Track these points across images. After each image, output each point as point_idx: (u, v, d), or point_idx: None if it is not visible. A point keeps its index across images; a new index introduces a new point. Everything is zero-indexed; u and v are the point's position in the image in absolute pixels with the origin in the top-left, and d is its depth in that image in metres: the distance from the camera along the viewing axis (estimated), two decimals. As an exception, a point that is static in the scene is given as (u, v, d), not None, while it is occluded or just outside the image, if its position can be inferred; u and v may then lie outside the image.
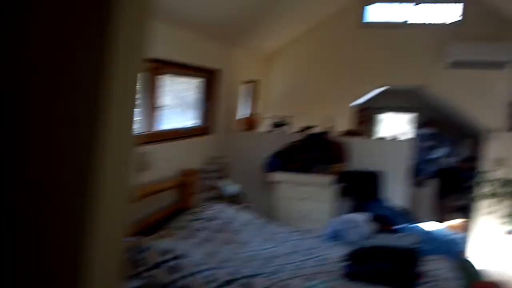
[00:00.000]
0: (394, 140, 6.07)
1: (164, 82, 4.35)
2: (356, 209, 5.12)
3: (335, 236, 4.14)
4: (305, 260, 3.58)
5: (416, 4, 6.48)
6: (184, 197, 4.50)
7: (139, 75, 1.47)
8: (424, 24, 6.55)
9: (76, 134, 1.33)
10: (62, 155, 1.34)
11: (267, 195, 5.44)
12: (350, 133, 5.99)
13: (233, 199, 4.93)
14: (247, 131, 6.04)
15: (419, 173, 7.71)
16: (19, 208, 1.37)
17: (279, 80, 7.15)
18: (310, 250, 3.80)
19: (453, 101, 6.55)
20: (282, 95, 7.09)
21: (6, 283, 1.37)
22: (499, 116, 6.10)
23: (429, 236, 3.99)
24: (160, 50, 4.03)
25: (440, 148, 9.19)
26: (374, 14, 6.77)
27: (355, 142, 5.61)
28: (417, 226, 4.30)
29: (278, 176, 5.34)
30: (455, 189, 7.11)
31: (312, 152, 5.33)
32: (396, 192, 5.52)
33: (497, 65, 5.86)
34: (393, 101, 9.30)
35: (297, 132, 5.90)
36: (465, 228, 6.20)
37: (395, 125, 10.10)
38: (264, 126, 6.43)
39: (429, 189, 6.97)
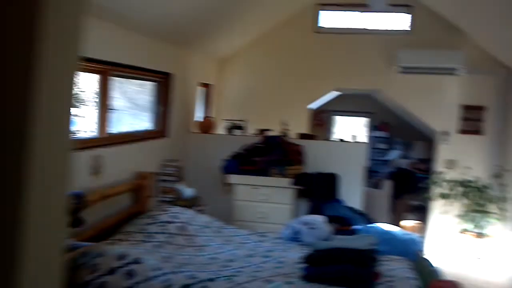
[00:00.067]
0: (349, 142, 6.13)
1: (116, 84, 4.25)
2: (313, 210, 5.14)
3: (293, 238, 4.13)
4: (263, 263, 3.54)
5: (368, 12, 6.58)
6: (139, 201, 4.41)
7: (73, 75, 1.38)
8: (376, 30, 6.69)
9: (2, 137, 1.23)
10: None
11: (224, 198, 5.41)
12: (305, 136, 6.01)
13: (189, 202, 4.86)
14: (203, 134, 5.98)
15: (374, 174, 7.84)
16: None
17: (234, 83, 7.12)
18: (268, 253, 3.77)
19: (406, 104, 6.69)
20: (237, 98, 7.07)
21: None
22: (450, 119, 6.27)
23: (386, 236, 4.02)
24: (111, 52, 3.95)
25: (394, 150, 9.40)
26: (328, 20, 6.87)
27: (311, 145, 5.63)
28: (374, 227, 4.33)
29: (235, 178, 5.30)
30: (410, 190, 7.25)
31: (269, 155, 5.32)
32: (352, 194, 5.57)
33: (448, 71, 6.01)
34: (348, 104, 9.44)
35: (254, 135, 5.89)
36: (420, 228, 6.34)
37: (351, 128, 10.24)
38: (219, 129, 6.39)
39: (385, 190, 7.08)
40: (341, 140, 6.64)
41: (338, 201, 5.33)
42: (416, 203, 7.08)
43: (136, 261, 2.94)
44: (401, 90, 6.52)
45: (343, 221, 4.59)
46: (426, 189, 6.35)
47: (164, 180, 4.98)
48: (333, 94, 7.47)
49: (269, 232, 4.42)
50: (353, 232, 4.23)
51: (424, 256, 3.92)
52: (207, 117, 6.41)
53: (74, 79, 1.40)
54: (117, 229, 3.79)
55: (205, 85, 6.60)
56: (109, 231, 3.73)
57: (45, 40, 1.21)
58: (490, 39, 5.79)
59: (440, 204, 6.08)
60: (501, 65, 5.93)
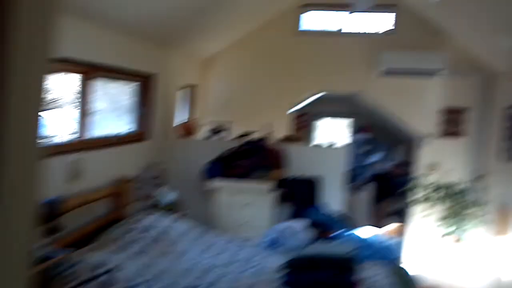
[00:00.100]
0: (331, 146, 6.13)
1: (97, 86, 4.19)
2: (294, 215, 5.14)
3: (274, 244, 4.12)
4: (244, 270, 3.53)
5: (350, 13, 6.61)
6: (118, 207, 4.35)
7: (44, 76, 1.34)
8: (359, 32, 6.72)
9: None
10: None
11: (206, 203, 5.36)
12: (288, 139, 6.00)
13: (170, 208, 4.81)
14: (185, 137, 5.93)
15: (356, 178, 7.86)
16: None
17: (217, 85, 7.08)
18: (248, 260, 3.75)
19: (387, 107, 6.71)
20: (220, 100, 7.03)
21: None
22: (431, 122, 6.31)
23: (366, 242, 4.04)
24: (92, 52, 3.89)
25: (376, 153, 9.42)
26: (310, 22, 6.88)
27: (293, 149, 5.63)
28: (354, 233, 4.34)
29: (217, 183, 5.27)
30: (391, 194, 7.28)
31: (251, 159, 5.30)
32: (334, 198, 5.58)
33: (428, 73, 6.06)
34: (330, 107, 9.45)
35: (236, 138, 5.86)
36: (401, 232, 6.36)
37: (332, 131, 10.26)
38: (202, 132, 6.34)
39: (366, 194, 7.11)
40: (322, 144, 6.64)
41: (319, 206, 5.34)
42: (397, 206, 7.11)
43: (114, 270, 2.90)
44: (382, 92, 6.55)
45: (324, 227, 4.60)
46: (407, 193, 6.38)
47: (145, 185, 4.93)
48: (316, 96, 7.48)
49: (249, 239, 4.40)
50: (333, 238, 4.24)
51: (401, 265, 3.94)
52: (191, 118, 6.37)
53: (45, 81, 1.35)
54: (97, 235, 3.74)
55: (189, 87, 6.55)
56: (89, 237, 3.68)
57: (14, 41, 1.17)
58: (471, 40, 5.83)
59: (420, 208, 6.11)
60: (482, 67, 5.97)
